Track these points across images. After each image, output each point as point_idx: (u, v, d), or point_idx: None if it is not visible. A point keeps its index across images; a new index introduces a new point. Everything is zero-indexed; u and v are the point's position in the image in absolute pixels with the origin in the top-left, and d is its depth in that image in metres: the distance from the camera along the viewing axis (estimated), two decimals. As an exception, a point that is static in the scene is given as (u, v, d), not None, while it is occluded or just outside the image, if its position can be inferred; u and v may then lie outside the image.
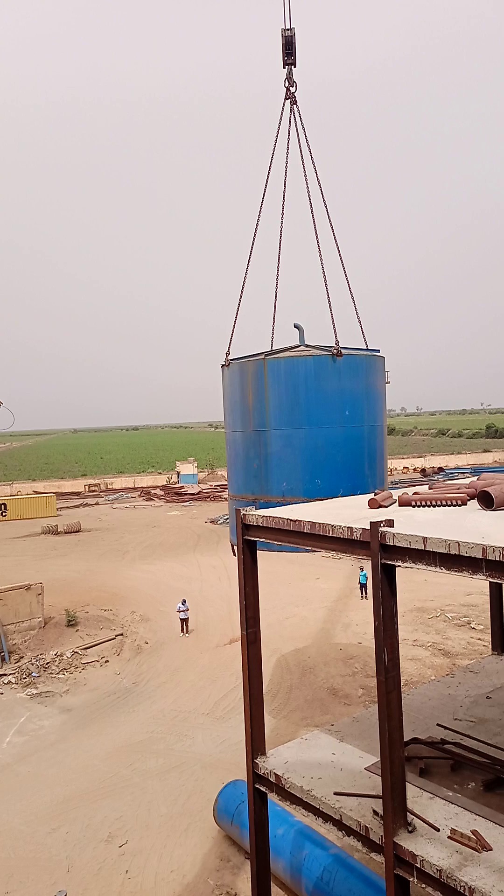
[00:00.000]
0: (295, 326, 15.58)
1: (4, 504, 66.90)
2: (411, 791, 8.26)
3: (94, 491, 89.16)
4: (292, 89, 15.81)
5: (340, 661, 23.69)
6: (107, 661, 25.38)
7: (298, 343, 15.41)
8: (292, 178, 15.64)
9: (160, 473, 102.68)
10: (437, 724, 10.40)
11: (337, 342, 14.30)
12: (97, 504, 76.82)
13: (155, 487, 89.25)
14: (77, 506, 74.95)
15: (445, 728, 10.22)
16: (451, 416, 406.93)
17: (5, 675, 24.20)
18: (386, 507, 9.70)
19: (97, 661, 25.41)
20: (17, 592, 27.84)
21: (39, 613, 28.31)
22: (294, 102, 15.79)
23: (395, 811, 7.44)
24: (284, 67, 15.95)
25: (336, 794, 8.48)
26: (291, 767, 9.35)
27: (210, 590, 34.31)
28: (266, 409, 14.24)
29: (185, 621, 28.06)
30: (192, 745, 18.49)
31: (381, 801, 7.59)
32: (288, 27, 15.78)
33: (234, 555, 16.60)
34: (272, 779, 9.33)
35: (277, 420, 14.18)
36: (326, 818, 8.45)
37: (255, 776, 9.70)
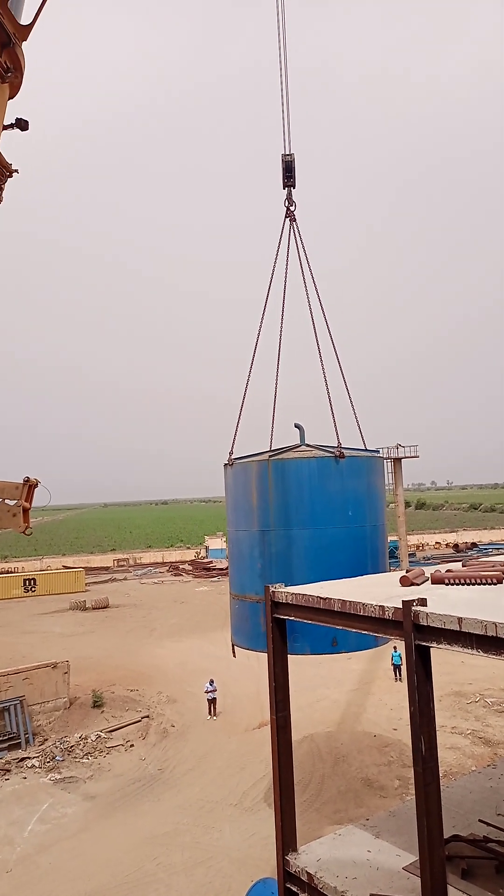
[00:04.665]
0: (296, 426, 15.95)
1: (34, 579, 66.91)
2: (453, 894, 7.71)
3: (122, 566, 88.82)
4: (292, 208, 16.79)
5: (375, 749, 22.61)
6: (132, 746, 24.60)
7: (299, 443, 15.71)
8: (292, 285, 16.43)
9: (189, 548, 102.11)
10: (480, 821, 9.77)
11: (339, 444, 14.64)
12: (126, 579, 76.36)
13: (183, 562, 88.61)
14: (106, 581, 74.56)
15: (489, 825, 9.59)
16: (483, 490, 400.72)
17: (29, 758, 23.57)
18: (418, 584, 9.50)
19: (122, 744, 24.65)
20: (43, 671, 27.47)
21: (65, 693, 27.79)
22: (293, 220, 16.70)
23: (437, 918, 6.93)
24: (284, 189, 16.97)
25: (373, 896, 7.95)
26: (325, 865, 8.81)
27: (238, 669, 33.35)
28: (270, 510, 14.44)
29: (212, 702, 27.24)
30: (220, 839, 17.59)
31: (421, 906, 7.08)
32: (288, 153, 16.92)
33: (234, 655, 16.41)
34: (304, 877, 8.78)
35: (281, 520, 14.33)
36: (363, 924, 7.89)
37: (286, 874, 9.14)
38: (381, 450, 58.01)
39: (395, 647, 30.87)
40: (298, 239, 16.64)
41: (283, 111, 17.03)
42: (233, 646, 16.18)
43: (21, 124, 8.98)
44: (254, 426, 17.11)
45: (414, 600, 7.27)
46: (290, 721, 9.47)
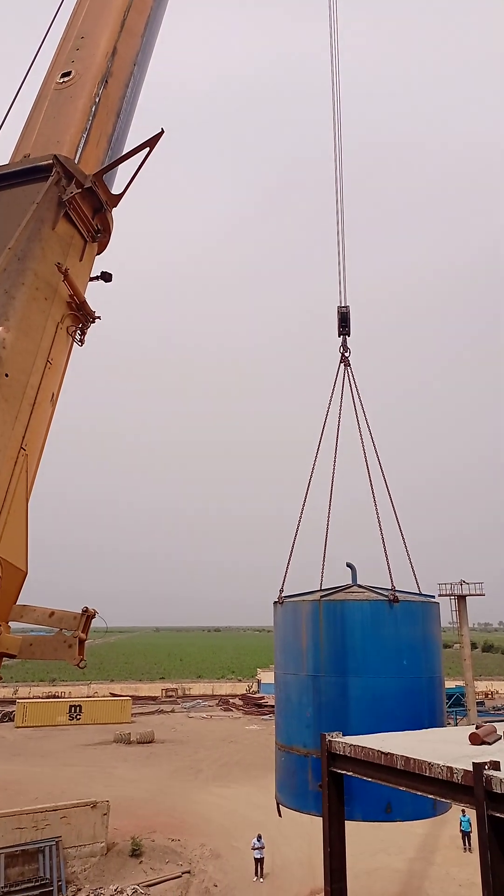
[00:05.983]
0: (348, 566, 15.57)
1: (80, 706, 64.92)
2: None
3: (171, 696, 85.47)
4: (346, 354, 17.68)
5: (442, 934, 19.86)
6: (170, 906, 22.46)
7: (351, 583, 15.28)
8: (345, 425, 16.82)
9: (240, 680, 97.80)
10: None
11: (393, 587, 14.21)
12: (173, 711, 73.24)
13: (234, 696, 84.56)
14: (153, 712, 71.64)
15: None
16: None
17: (59, 911, 21.76)
18: (490, 743, 8.75)
19: (159, 903, 22.54)
20: (81, 810, 25.98)
21: (103, 838, 26.03)
22: (347, 365, 17.45)
23: None
24: (339, 336, 17.94)
25: None
26: None
27: (289, 824, 30.46)
28: (321, 653, 13.80)
29: (259, 862, 24.91)
30: None
31: None
32: (344, 304, 18.06)
33: (280, 815, 14.85)
34: None
35: (333, 665, 13.65)
36: None
37: None
38: (443, 585, 55.70)
39: (462, 811, 27.91)
40: (353, 384, 17.20)
41: (339, 265, 18.20)
42: (278, 805, 14.83)
43: (105, 277, 9.95)
44: (304, 561, 16.83)
45: (486, 763, 6.67)
46: (346, 893, 8.54)
